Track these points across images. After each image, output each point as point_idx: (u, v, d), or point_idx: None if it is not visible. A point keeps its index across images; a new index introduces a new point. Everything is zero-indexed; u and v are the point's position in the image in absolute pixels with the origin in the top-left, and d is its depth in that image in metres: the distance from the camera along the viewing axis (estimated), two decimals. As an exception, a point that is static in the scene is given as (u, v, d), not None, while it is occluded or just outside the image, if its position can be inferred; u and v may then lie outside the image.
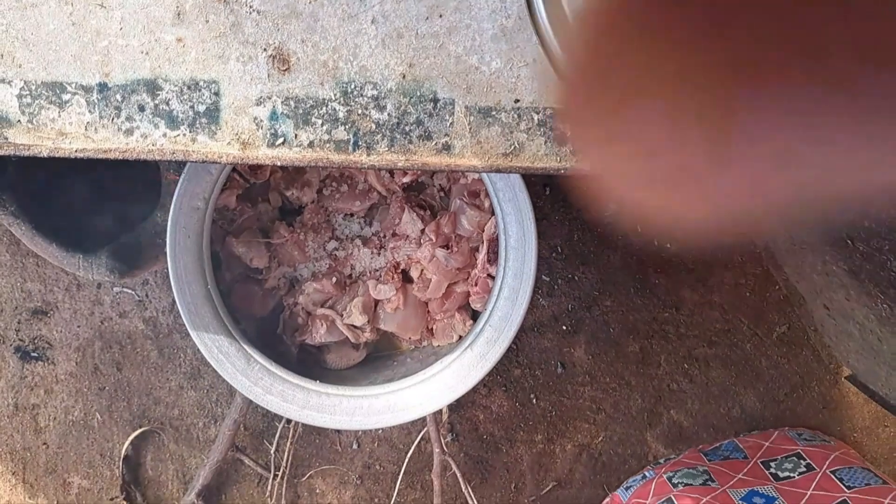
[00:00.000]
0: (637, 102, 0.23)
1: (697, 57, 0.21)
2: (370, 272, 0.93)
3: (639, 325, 1.31)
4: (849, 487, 1.05)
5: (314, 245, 0.91)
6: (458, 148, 0.61)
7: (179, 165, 1.00)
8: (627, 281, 1.30)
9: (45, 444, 1.32)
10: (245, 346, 0.80)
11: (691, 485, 1.10)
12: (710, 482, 1.11)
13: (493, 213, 0.87)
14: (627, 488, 1.22)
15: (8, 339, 1.30)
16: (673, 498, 1.08)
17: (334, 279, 0.89)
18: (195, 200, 0.77)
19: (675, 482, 1.13)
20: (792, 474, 1.12)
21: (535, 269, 0.78)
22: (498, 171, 0.61)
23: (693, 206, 0.25)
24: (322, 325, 0.89)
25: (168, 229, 0.75)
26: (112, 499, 1.32)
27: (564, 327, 1.31)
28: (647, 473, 1.23)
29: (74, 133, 0.60)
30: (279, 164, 0.60)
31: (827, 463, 1.12)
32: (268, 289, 0.90)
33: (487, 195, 0.87)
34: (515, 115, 0.60)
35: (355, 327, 0.92)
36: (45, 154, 0.59)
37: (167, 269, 1.27)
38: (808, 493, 1.07)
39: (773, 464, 1.17)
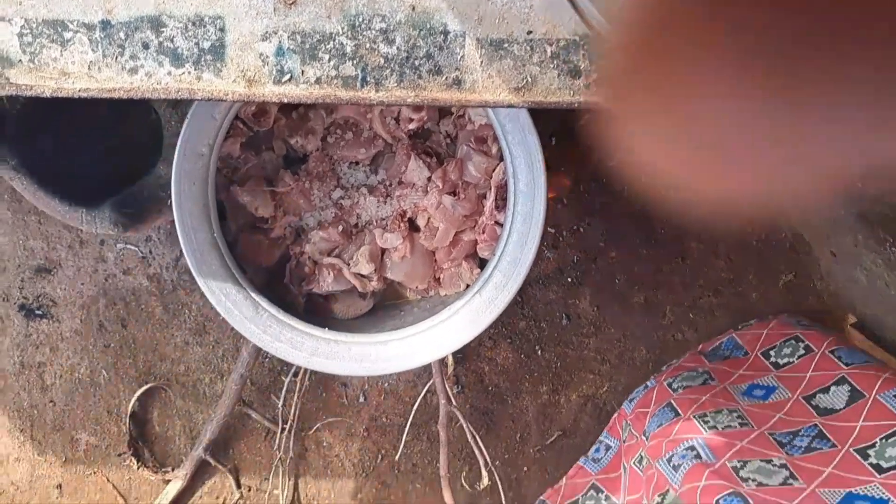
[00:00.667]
0: (700, 70, 0.22)
1: (768, 35, 0.20)
2: (376, 221, 0.93)
3: (644, 276, 1.31)
4: (847, 364, 1.05)
5: (319, 194, 0.90)
6: (469, 82, 0.59)
7: (180, 120, 0.98)
8: (633, 231, 1.30)
9: (51, 401, 1.33)
10: (253, 294, 0.79)
11: (691, 386, 1.11)
12: (709, 381, 1.12)
13: (500, 159, 0.86)
14: (631, 400, 1.23)
15: (12, 298, 1.29)
16: (673, 402, 1.09)
17: (340, 228, 0.89)
18: (199, 147, 0.76)
19: (675, 387, 1.14)
20: (791, 359, 1.13)
21: (544, 211, 0.78)
22: (510, 105, 0.60)
23: (739, 180, 0.25)
24: (329, 273, 0.89)
25: (172, 176, 0.74)
26: (120, 454, 1.32)
27: (569, 279, 1.31)
28: (648, 383, 1.24)
29: (77, 73, 0.58)
30: (286, 100, 0.59)
31: (825, 344, 1.12)
32: (273, 238, 0.89)
33: (495, 140, 0.86)
34: (528, 48, 0.59)
35: (362, 276, 0.91)
36: (48, 94, 0.58)
37: (170, 223, 1.27)
38: (808, 375, 1.07)
39: (772, 352, 1.17)
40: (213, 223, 0.78)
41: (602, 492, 1.16)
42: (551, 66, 0.59)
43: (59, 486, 1.35)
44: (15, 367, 1.31)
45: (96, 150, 1.13)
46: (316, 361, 0.79)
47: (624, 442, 1.15)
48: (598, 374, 1.33)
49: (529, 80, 0.59)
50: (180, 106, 1.01)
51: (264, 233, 0.90)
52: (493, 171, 0.87)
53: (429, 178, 0.90)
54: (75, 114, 1.10)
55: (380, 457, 1.34)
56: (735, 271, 1.32)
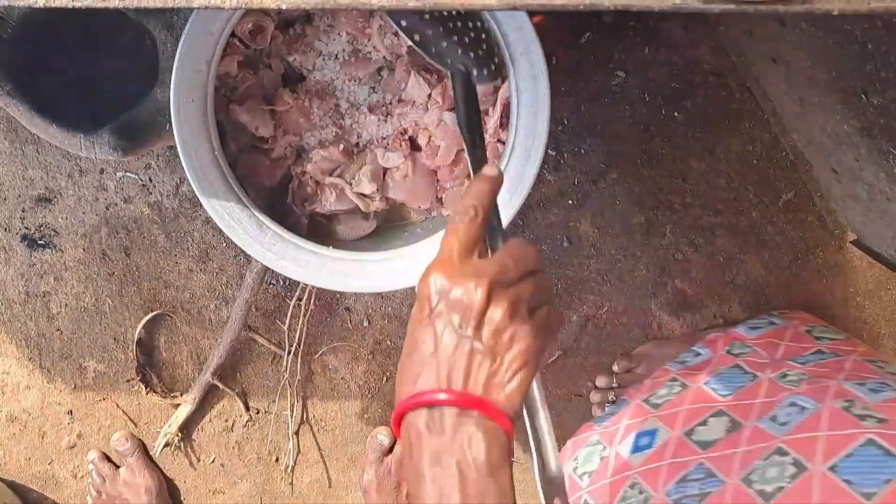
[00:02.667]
0: None
1: None
2: (378, 140, 0.92)
3: (645, 197, 1.31)
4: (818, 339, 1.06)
5: (319, 112, 0.89)
6: (472, -14, 0.58)
7: (175, 43, 0.97)
8: (634, 152, 1.30)
9: (58, 330, 1.34)
10: (256, 213, 0.80)
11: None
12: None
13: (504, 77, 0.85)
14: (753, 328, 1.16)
15: (13, 228, 1.30)
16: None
17: (341, 146, 0.88)
18: (197, 63, 0.75)
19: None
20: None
21: (547, 126, 0.77)
22: (513, 8, 0.59)
23: None
24: (332, 193, 0.89)
25: (171, 93, 0.74)
26: (128, 380, 1.35)
27: (570, 201, 1.31)
28: (775, 321, 1.18)
29: (71, -19, 0.57)
30: (285, 6, 0.58)
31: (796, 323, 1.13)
32: (274, 158, 0.89)
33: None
34: (530, -51, 0.57)
35: (364, 195, 0.91)
36: (41, 4, 0.57)
37: (168, 149, 1.26)
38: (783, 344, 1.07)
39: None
40: (214, 141, 0.78)
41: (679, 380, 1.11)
42: (555, -32, 0.58)
43: (70, 412, 1.38)
44: (20, 296, 1.33)
45: (92, 76, 1.11)
46: (321, 279, 0.80)
47: (737, 356, 1.09)
48: (599, 295, 1.34)
49: (533, -17, 0.58)
50: (175, 29, 0.99)
51: (265, 153, 0.89)
52: (501, 88, 0.86)
53: (429, 95, 0.90)
54: (69, 39, 1.08)
55: (385, 378, 1.37)
56: (735, 190, 1.32)
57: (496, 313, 0.53)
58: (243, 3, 0.57)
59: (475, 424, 0.52)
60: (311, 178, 0.89)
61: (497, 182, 0.62)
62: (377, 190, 0.91)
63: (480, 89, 0.82)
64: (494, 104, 0.86)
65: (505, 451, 0.52)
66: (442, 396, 0.52)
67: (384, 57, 0.90)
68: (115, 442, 1.36)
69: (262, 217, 0.80)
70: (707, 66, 1.28)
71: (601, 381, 1.33)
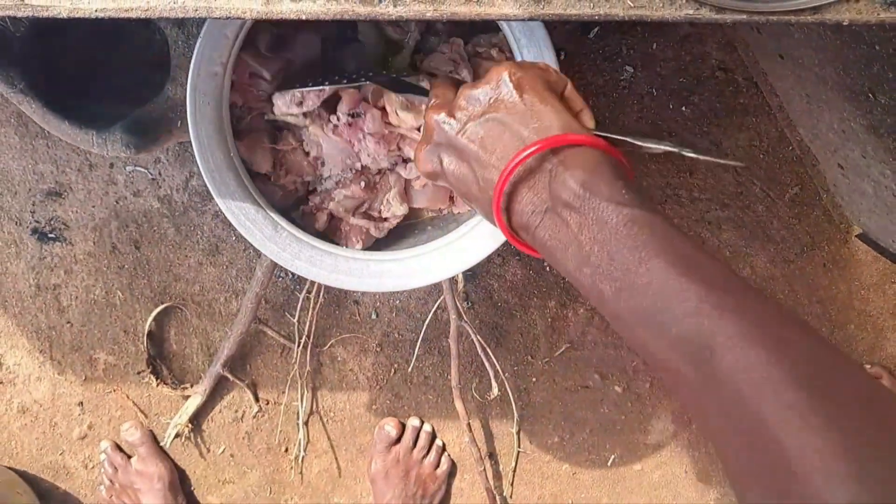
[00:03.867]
0: None
1: None
2: (398, 161, 0.91)
3: (652, 191, 1.32)
4: None
5: (332, 153, 0.88)
6: (489, -4, 0.59)
7: (186, 40, 0.97)
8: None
9: (69, 322, 1.35)
10: (272, 214, 0.80)
11: None
12: None
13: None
14: None
15: (24, 222, 1.30)
16: None
17: (362, 184, 0.88)
18: (213, 66, 0.75)
19: None
20: None
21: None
22: (530, 19, 0.59)
23: None
24: (357, 239, 0.88)
25: (188, 95, 0.74)
26: (139, 372, 1.36)
27: (578, 194, 1.31)
28: None
29: (93, -9, 0.58)
30: (304, 17, 0.58)
31: None
32: (282, 185, 0.88)
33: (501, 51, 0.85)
34: (548, -40, 0.58)
35: (396, 216, 0.91)
36: (64, 15, 0.57)
37: (179, 145, 1.27)
38: None
39: None
40: (230, 143, 0.78)
41: None
42: (572, -22, 0.59)
43: (81, 404, 1.39)
44: (31, 289, 1.33)
45: (103, 73, 1.12)
46: (335, 278, 0.81)
47: None
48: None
49: (550, -7, 0.59)
50: (186, 26, 0.99)
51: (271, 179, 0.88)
52: None
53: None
54: (81, 36, 1.08)
55: (392, 370, 1.38)
56: (742, 185, 1.33)
57: (493, 82, 0.56)
58: (264, 14, 0.58)
59: (553, 162, 0.51)
60: (330, 213, 0.89)
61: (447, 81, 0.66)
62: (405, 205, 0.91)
63: None
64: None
65: (592, 162, 0.51)
66: (511, 167, 0.51)
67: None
68: (126, 432, 1.37)
69: (277, 218, 0.81)
70: (714, 61, 1.28)
71: None
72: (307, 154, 0.86)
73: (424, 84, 0.78)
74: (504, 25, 0.78)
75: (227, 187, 0.79)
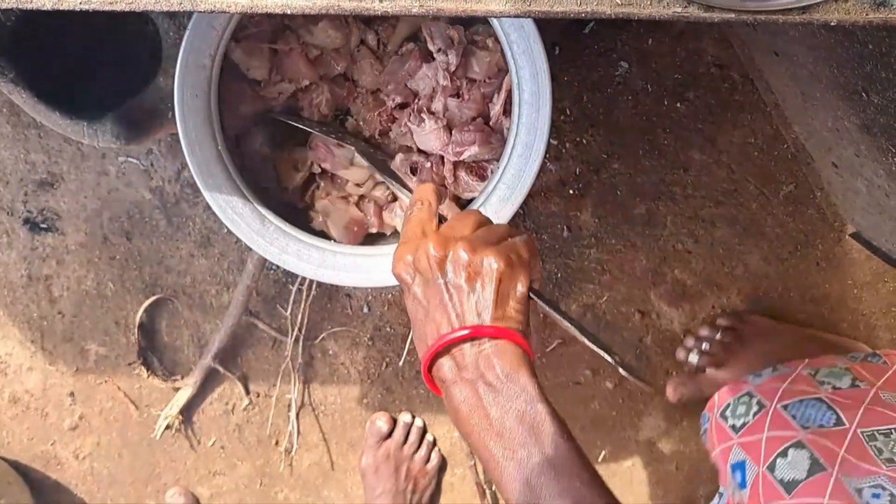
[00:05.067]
0: None
1: None
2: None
3: (646, 187, 1.32)
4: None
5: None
6: (476, -9, 0.58)
7: (177, 30, 0.97)
8: (636, 142, 1.30)
9: (60, 313, 1.35)
10: (259, 207, 0.80)
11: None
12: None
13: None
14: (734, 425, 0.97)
15: (16, 212, 1.30)
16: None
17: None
18: (201, 58, 0.75)
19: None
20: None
21: (549, 123, 0.77)
22: (516, 16, 0.59)
23: None
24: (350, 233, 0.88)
25: (175, 88, 0.74)
26: (130, 364, 1.36)
27: (571, 191, 1.31)
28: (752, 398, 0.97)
29: (77, -18, 0.57)
30: (289, 12, 0.58)
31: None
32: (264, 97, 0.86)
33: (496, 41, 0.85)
34: (534, -45, 0.57)
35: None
36: (48, 6, 0.57)
37: (171, 136, 1.26)
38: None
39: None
40: (217, 136, 0.78)
41: None
42: (559, -26, 0.58)
43: (72, 394, 1.39)
44: (22, 279, 1.33)
45: (94, 63, 1.11)
46: (323, 273, 0.81)
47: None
48: (599, 284, 1.35)
49: (536, -12, 0.58)
50: (178, 17, 0.99)
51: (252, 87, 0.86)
52: (496, 62, 0.85)
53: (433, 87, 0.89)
54: (73, 26, 1.07)
55: (384, 364, 1.38)
56: (736, 182, 1.32)
57: (454, 254, 0.60)
58: (248, 7, 0.57)
59: (486, 346, 0.59)
60: (373, 203, 0.89)
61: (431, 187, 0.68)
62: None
63: (483, 69, 0.85)
64: (499, 90, 0.86)
65: (517, 357, 0.59)
66: (448, 338, 0.59)
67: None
68: (171, 498, 1.38)
69: (264, 211, 0.81)
70: (710, 57, 1.27)
71: (690, 342, 1.33)
72: (306, 56, 0.85)
73: (411, 184, 0.80)
74: (493, 21, 0.77)
75: (215, 180, 0.78)
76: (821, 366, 0.96)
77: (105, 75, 1.12)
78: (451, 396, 0.60)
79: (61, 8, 0.56)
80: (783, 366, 1.00)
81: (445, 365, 0.60)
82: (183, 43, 0.73)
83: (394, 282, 0.85)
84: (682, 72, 1.27)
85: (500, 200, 0.81)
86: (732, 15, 0.59)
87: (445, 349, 0.60)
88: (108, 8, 0.56)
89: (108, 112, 1.02)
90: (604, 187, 1.31)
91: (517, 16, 0.59)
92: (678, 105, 1.29)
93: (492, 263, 0.60)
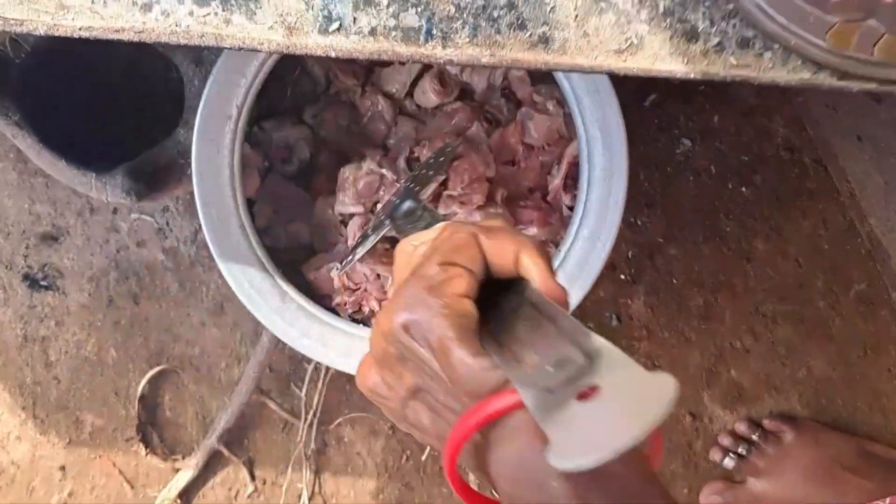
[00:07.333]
0: None
1: None
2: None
3: (704, 277, 1.21)
4: None
5: None
6: (559, 41, 0.48)
7: (204, 79, 0.88)
8: (696, 227, 1.20)
9: (56, 378, 1.25)
10: (280, 282, 0.69)
11: None
12: None
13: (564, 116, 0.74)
14: None
15: (16, 266, 1.21)
16: None
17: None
18: (225, 108, 0.65)
19: None
20: None
21: (622, 205, 0.67)
22: (609, 72, 0.48)
23: None
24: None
25: (193, 140, 0.64)
26: (128, 439, 1.25)
27: (622, 276, 1.21)
28: None
29: (78, 6, 0.47)
30: (333, 54, 0.48)
31: None
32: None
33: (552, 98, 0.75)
34: (636, 1, 0.47)
35: None
36: (41, 31, 0.47)
37: (189, 194, 1.17)
38: None
39: None
40: (239, 197, 0.68)
41: None
42: (663, 24, 0.48)
43: (63, 468, 1.28)
44: (18, 340, 1.24)
45: (110, 109, 1.03)
46: (349, 363, 0.69)
47: None
48: (648, 381, 1.23)
49: (635, 41, 0.48)
50: (205, 64, 0.91)
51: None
52: (557, 128, 0.74)
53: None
54: (88, 67, 1.00)
55: (404, 457, 1.26)
56: (803, 277, 1.22)
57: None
58: (283, 48, 0.47)
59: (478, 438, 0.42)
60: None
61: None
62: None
63: (542, 134, 0.73)
64: (559, 162, 0.75)
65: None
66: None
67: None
68: None
69: (286, 286, 0.70)
70: (780, 138, 1.18)
71: (725, 441, 1.21)
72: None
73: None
74: (563, 82, 0.67)
75: (232, 247, 0.68)
76: None
77: (120, 123, 1.04)
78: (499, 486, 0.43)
79: (56, 34, 0.46)
80: None
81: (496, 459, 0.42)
82: (206, 88, 0.63)
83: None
84: (750, 153, 1.18)
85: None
86: (873, 85, 0.49)
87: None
88: (113, 36, 0.46)
89: (120, 164, 0.93)
90: (658, 274, 1.21)
91: (609, 73, 0.48)
92: (743, 189, 1.19)
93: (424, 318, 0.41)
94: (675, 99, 1.17)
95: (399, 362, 0.43)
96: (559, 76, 0.66)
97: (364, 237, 0.70)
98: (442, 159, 0.70)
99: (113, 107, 1.04)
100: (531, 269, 0.42)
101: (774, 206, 1.20)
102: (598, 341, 0.38)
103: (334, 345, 0.69)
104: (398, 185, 0.67)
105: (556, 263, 0.70)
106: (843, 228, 1.20)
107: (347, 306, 0.75)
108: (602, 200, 0.66)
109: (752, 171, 1.19)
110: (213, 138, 0.65)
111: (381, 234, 0.68)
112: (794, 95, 1.16)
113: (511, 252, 0.42)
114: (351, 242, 0.75)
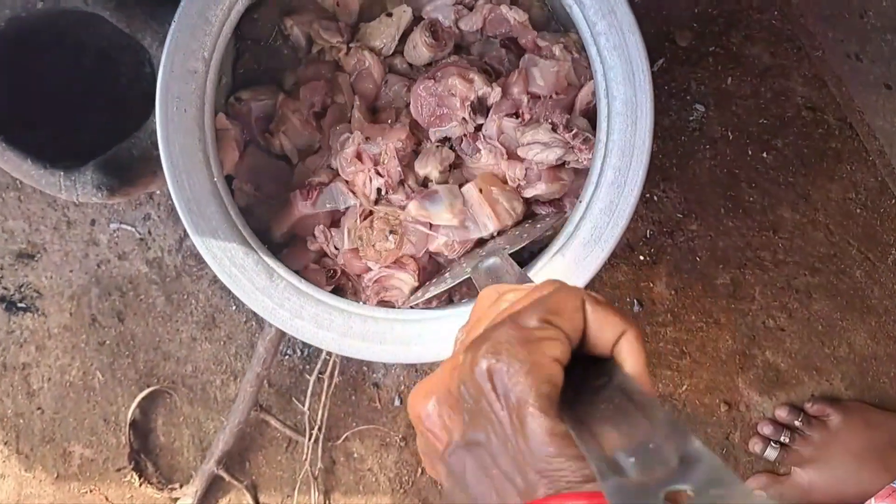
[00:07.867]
0: None
1: None
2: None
3: (729, 253, 1.14)
4: None
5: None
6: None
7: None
8: (717, 199, 1.13)
9: (39, 408, 1.18)
10: (265, 258, 0.61)
11: None
12: None
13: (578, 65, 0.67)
14: None
15: (-10, 288, 1.14)
16: None
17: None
18: (191, 61, 0.57)
19: None
20: None
21: (650, 140, 0.59)
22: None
23: None
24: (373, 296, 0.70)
25: (157, 98, 0.56)
26: (119, 469, 1.18)
27: (641, 257, 1.14)
28: None
29: None
30: None
31: None
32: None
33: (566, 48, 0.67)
34: None
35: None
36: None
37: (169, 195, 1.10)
38: None
39: None
40: (213, 162, 0.60)
41: None
42: None
43: (52, 506, 1.20)
44: (-4, 369, 1.16)
45: (78, 106, 0.97)
46: (348, 344, 0.61)
47: None
48: (677, 370, 1.15)
49: None
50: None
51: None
52: (565, 74, 0.67)
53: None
54: (54, 59, 0.94)
55: (419, 471, 1.18)
56: (836, 245, 1.15)
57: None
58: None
59: None
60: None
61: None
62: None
63: (550, 82, 0.66)
64: (571, 110, 0.67)
65: None
66: None
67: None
68: None
69: (273, 263, 0.61)
70: (800, 98, 1.12)
71: (766, 430, 1.14)
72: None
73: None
74: (573, 7, 0.59)
75: (209, 222, 0.60)
76: None
77: (90, 119, 0.97)
78: None
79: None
80: None
81: None
82: (167, 39, 0.56)
83: (440, 356, 0.66)
84: (768, 116, 1.12)
85: (584, 245, 0.61)
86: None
87: None
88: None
89: (90, 159, 0.86)
90: (680, 253, 1.13)
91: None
92: (764, 155, 1.13)
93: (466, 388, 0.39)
94: (683, 63, 1.11)
95: (465, 408, 0.40)
96: (567, 0, 0.58)
97: (441, 280, 0.69)
98: (539, 226, 0.69)
99: (82, 104, 0.98)
100: (631, 353, 0.40)
101: (799, 172, 1.13)
102: (697, 445, 0.34)
103: (331, 325, 0.61)
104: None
105: (577, 213, 0.62)
106: (875, 190, 1.14)
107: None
108: (626, 136, 0.58)
109: (773, 136, 1.12)
110: (180, 96, 0.57)
111: (459, 280, 0.66)
112: (812, 49, 1.09)
113: (615, 331, 0.40)
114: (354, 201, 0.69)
